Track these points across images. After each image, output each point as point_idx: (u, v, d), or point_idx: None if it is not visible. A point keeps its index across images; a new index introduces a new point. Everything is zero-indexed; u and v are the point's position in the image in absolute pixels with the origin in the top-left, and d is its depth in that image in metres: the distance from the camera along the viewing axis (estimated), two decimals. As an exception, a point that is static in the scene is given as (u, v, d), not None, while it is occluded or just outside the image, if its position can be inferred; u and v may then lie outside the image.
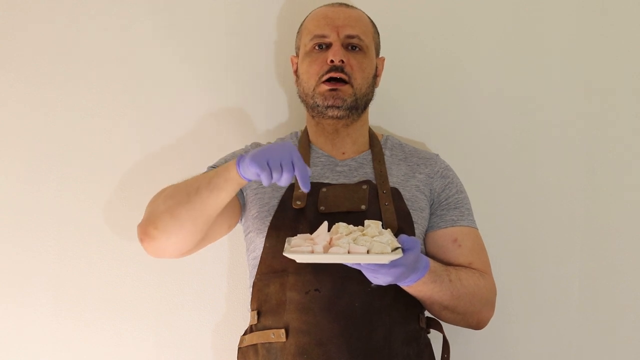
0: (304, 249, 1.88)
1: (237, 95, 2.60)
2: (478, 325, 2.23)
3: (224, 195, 2.05)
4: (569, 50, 2.65)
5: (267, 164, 1.92)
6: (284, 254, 1.89)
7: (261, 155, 1.94)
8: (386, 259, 1.86)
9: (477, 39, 2.64)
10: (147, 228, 2.15)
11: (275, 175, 1.93)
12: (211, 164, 2.34)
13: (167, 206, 2.11)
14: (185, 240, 2.14)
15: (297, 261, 1.91)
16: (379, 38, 2.38)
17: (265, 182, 1.94)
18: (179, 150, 2.59)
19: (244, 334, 2.24)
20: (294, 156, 1.93)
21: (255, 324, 2.18)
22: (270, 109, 2.60)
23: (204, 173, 2.18)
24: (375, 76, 2.35)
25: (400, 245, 1.91)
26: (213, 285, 2.53)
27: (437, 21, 2.64)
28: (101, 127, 2.59)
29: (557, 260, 2.60)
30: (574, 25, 2.65)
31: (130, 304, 2.56)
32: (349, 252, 1.87)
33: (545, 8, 2.64)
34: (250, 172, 1.95)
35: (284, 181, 1.94)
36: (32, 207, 2.57)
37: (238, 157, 2.01)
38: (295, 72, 2.37)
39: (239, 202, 2.30)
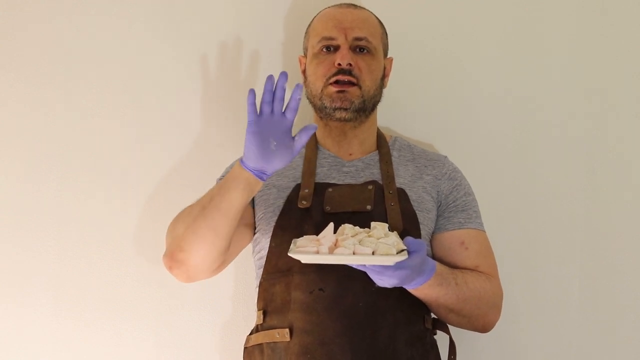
0: (309, 250, 1.88)
1: (241, 95, 2.59)
2: (484, 328, 2.22)
3: (235, 195, 2.06)
4: (569, 50, 2.65)
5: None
6: (289, 254, 1.88)
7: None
8: (391, 260, 1.85)
9: (479, 39, 2.64)
10: (174, 253, 2.16)
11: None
12: (214, 179, 2.35)
13: (186, 225, 2.13)
14: (213, 251, 2.13)
15: (302, 261, 1.91)
16: (387, 38, 2.38)
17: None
18: (180, 150, 2.59)
19: (250, 334, 2.24)
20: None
21: (261, 324, 2.18)
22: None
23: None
24: (384, 77, 2.35)
25: (406, 248, 1.91)
26: (217, 286, 2.52)
27: (440, 22, 2.64)
28: (101, 127, 2.59)
29: (557, 261, 2.60)
30: (574, 25, 2.65)
31: (130, 304, 2.56)
32: (354, 253, 1.87)
33: (546, 8, 2.65)
34: (250, 152, 2.01)
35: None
36: (32, 207, 2.57)
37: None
38: (303, 72, 2.37)
39: (252, 209, 2.30)
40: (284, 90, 1.99)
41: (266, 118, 1.99)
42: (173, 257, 2.16)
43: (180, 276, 2.20)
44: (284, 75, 1.98)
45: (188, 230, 2.12)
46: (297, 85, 1.99)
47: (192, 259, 2.14)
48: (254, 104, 2.00)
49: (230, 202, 2.07)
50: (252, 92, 2.00)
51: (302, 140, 2.02)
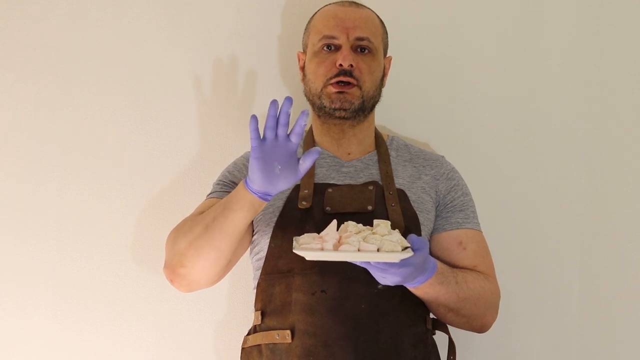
0: (314, 247, 1.88)
1: (240, 94, 2.60)
2: (482, 328, 2.22)
3: (239, 216, 2.06)
4: (568, 50, 2.65)
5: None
6: (293, 250, 1.88)
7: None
8: (397, 257, 1.85)
9: (479, 39, 2.64)
10: (175, 269, 2.15)
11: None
12: (214, 179, 2.35)
13: (189, 241, 2.12)
14: (214, 268, 2.14)
15: (307, 258, 1.91)
16: (387, 37, 2.37)
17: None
18: (179, 149, 2.59)
19: (248, 334, 2.23)
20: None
21: (259, 325, 2.17)
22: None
23: (215, 200, 2.21)
24: (383, 76, 2.34)
25: (409, 245, 1.92)
26: (216, 286, 2.50)
27: (437, 21, 2.64)
28: (101, 127, 2.59)
29: (557, 260, 2.60)
30: (573, 24, 2.65)
31: (130, 304, 2.56)
32: (359, 250, 1.86)
33: (546, 9, 2.65)
34: (254, 175, 1.98)
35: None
36: (33, 206, 2.56)
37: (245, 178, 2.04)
38: (302, 68, 2.35)
39: None
40: (289, 115, 1.95)
41: (270, 143, 1.97)
42: (174, 271, 2.16)
43: (180, 288, 2.20)
44: (288, 100, 1.94)
45: (190, 248, 2.12)
46: (303, 112, 1.95)
47: (194, 275, 2.15)
48: (257, 129, 1.97)
49: (234, 222, 2.07)
50: (254, 117, 1.97)
51: (306, 165, 1.99)
